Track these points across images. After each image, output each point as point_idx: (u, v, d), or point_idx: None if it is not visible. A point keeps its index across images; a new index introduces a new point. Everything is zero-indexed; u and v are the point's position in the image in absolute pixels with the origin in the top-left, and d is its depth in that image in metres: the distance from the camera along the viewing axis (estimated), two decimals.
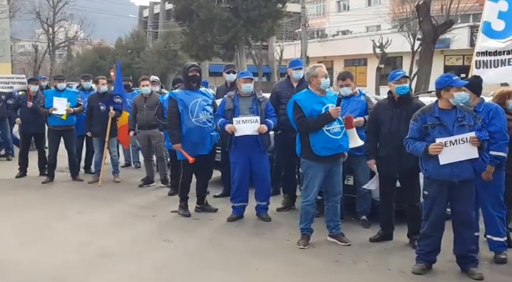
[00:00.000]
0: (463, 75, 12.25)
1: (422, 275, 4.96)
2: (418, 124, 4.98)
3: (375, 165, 5.88)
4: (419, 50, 21.95)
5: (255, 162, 6.77)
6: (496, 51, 6.62)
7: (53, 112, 9.14)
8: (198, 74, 7.06)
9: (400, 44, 28.66)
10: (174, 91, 7.21)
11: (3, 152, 11.97)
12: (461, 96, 4.86)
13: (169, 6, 42.22)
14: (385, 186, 5.88)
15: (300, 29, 34.01)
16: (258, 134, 6.60)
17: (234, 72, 8.00)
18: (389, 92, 5.82)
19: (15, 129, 11.51)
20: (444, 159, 4.78)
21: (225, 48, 31.82)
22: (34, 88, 10.03)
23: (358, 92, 6.76)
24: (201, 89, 7.07)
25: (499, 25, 6.76)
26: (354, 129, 6.06)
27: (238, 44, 31.51)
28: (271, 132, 7.02)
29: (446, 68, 29.57)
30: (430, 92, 10.86)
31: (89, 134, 9.48)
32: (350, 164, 6.38)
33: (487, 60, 6.66)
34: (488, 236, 5.38)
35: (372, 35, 32.93)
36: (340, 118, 5.79)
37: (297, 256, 5.57)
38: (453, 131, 4.83)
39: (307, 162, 5.83)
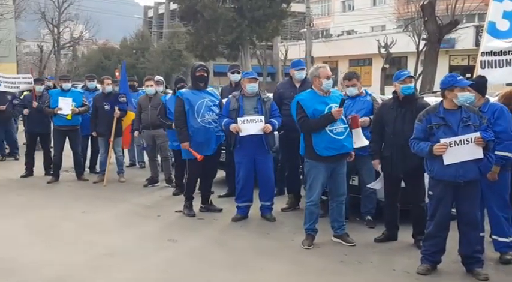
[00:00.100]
0: (468, 75, 12.25)
1: (427, 275, 4.95)
2: (423, 124, 4.97)
3: (380, 165, 5.87)
4: (424, 50, 21.86)
5: (259, 162, 6.77)
6: (501, 51, 6.61)
7: (58, 112, 9.17)
8: (205, 74, 7.07)
9: (405, 44, 28.59)
10: (181, 90, 7.22)
11: (8, 151, 12.02)
12: (465, 96, 4.85)
13: (174, 6, 42.25)
14: (390, 186, 5.88)
15: (305, 29, 34.00)
16: (262, 134, 6.61)
17: (239, 72, 8.00)
18: (394, 92, 5.81)
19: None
20: (448, 159, 4.77)
21: (229, 48, 31.81)
22: (39, 88, 10.07)
23: (364, 92, 6.76)
24: (208, 89, 7.09)
25: (504, 25, 6.76)
26: (360, 129, 6.06)
27: (242, 44, 31.50)
28: (276, 133, 7.02)
29: (452, 68, 29.50)
30: (435, 92, 10.83)
31: (94, 133, 9.50)
32: (355, 164, 6.37)
33: (492, 60, 6.65)
34: (494, 237, 5.36)
35: (377, 35, 32.86)
36: (343, 118, 5.78)
37: (301, 256, 5.57)
38: (458, 131, 4.81)
39: (310, 162, 5.83)
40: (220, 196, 8.01)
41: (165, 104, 8.17)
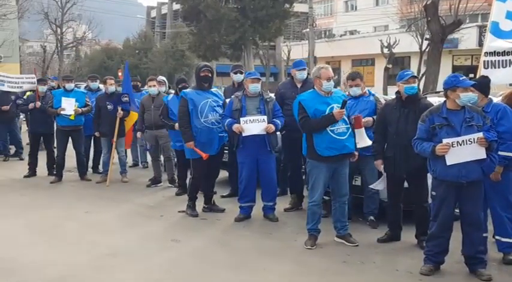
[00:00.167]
0: (471, 75, 12.21)
1: (430, 276, 4.94)
2: (426, 125, 4.96)
3: (382, 166, 5.87)
4: (427, 50, 21.85)
5: (262, 162, 6.77)
6: (504, 51, 6.59)
7: (61, 112, 9.19)
8: (210, 75, 7.08)
9: (408, 44, 28.56)
10: (185, 90, 7.22)
11: (12, 151, 12.05)
12: (468, 96, 4.84)
13: (176, 6, 42.25)
14: (393, 186, 5.87)
15: (308, 29, 33.96)
16: (265, 134, 6.61)
17: (242, 73, 8.01)
18: (398, 92, 5.81)
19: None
20: (451, 159, 4.76)
21: (232, 48, 31.81)
22: (42, 88, 10.10)
23: (367, 92, 6.76)
24: (212, 90, 7.09)
25: (507, 25, 6.74)
26: (363, 129, 6.07)
27: (245, 44, 31.50)
28: (278, 133, 7.02)
29: (455, 68, 29.48)
30: (438, 92, 10.81)
31: (97, 134, 9.52)
32: (358, 164, 6.37)
33: (495, 61, 6.63)
34: (497, 237, 5.36)
35: (380, 35, 32.83)
36: (345, 118, 5.78)
37: (304, 256, 5.56)
38: (461, 131, 4.80)
39: (311, 162, 5.83)
40: (223, 196, 8.01)
41: (167, 105, 8.17)
